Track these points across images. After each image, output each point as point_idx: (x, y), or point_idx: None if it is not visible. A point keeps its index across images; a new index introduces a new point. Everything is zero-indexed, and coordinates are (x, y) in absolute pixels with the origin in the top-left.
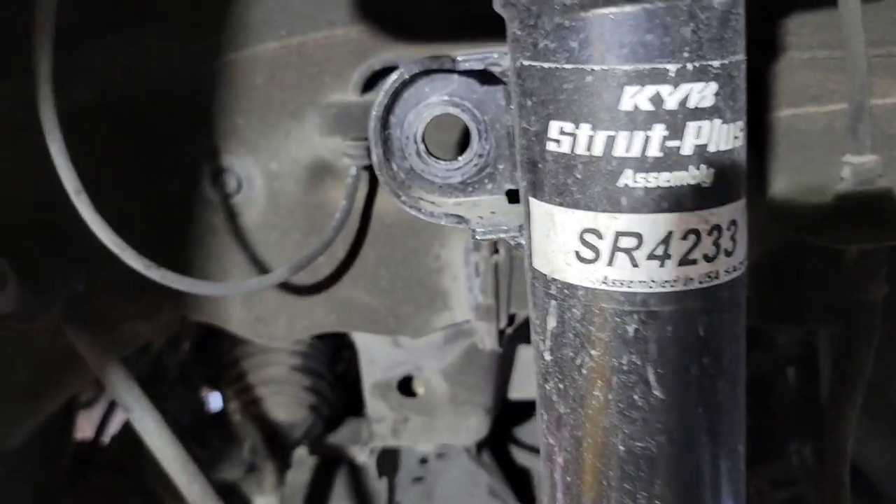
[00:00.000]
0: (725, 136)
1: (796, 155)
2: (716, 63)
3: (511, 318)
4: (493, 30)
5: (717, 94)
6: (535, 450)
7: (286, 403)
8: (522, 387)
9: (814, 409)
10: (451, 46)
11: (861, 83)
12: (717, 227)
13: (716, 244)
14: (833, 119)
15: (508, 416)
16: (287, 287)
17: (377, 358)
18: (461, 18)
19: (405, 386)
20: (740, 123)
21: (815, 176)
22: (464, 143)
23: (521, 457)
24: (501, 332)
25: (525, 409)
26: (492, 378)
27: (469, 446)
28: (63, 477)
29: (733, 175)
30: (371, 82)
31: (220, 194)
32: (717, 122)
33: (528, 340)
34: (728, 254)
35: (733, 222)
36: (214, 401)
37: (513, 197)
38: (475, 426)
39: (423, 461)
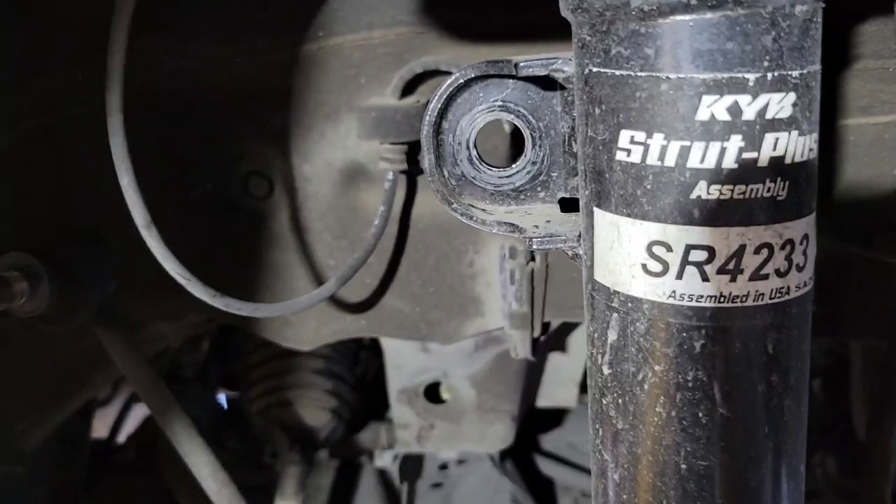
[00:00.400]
0: (801, 149)
1: (845, 166)
2: (795, 73)
3: (545, 327)
4: (537, 34)
5: (794, 105)
6: (560, 459)
7: (309, 407)
8: (550, 395)
9: (842, 421)
10: (493, 49)
11: None
12: (790, 242)
13: (788, 259)
14: (883, 130)
15: (534, 424)
16: (314, 288)
17: (404, 364)
18: (509, 23)
19: (432, 392)
20: (815, 135)
21: (865, 188)
22: (514, 148)
23: (545, 466)
24: (535, 341)
25: (552, 418)
26: (520, 386)
27: (493, 454)
28: (80, 478)
29: (808, 188)
30: (410, 86)
31: (252, 197)
32: (794, 133)
33: (558, 348)
34: (799, 269)
35: (805, 236)
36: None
37: (566, 205)
38: (501, 434)
39: (443, 467)
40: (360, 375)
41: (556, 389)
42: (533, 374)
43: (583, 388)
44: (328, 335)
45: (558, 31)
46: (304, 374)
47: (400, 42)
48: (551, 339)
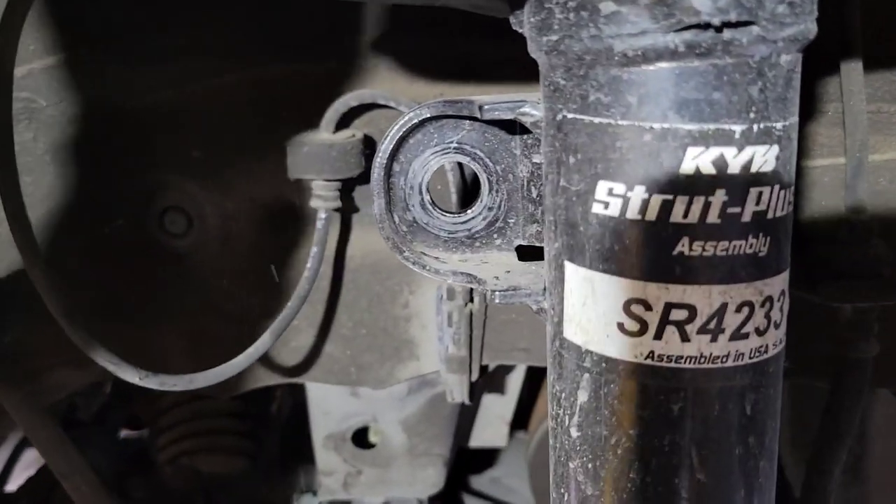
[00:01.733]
0: (782, 203)
1: None
2: (779, 125)
3: (483, 370)
4: (479, 68)
5: (777, 158)
6: (488, 498)
7: (223, 453)
8: (479, 435)
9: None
10: (432, 83)
11: (861, 140)
12: (770, 299)
13: (767, 316)
14: (822, 174)
15: (463, 461)
16: (236, 334)
17: (332, 409)
18: (450, 56)
19: (360, 437)
20: (793, 188)
21: (806, 232)
22: (465, 192)
23: None
24: (472, 385)
25: (481, 454)
26: (453, 428)
27: (422, 498)
28: None
29: (785, 243)
30: (345, 119)
31: (168, 233)
32: (777, 187)
33: (492, 389)
34: (777, 326)
35: (783, 293)
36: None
37: (524, 253)
38: (432, 478)
39: None
40: (276, 414)
41: (486, 429)
42: (466, 415)
43: (512, 426)
44: (250, 382)
45: (503, 67)
46: (218, 418)
47: (334, 73)
48: (486, 380)
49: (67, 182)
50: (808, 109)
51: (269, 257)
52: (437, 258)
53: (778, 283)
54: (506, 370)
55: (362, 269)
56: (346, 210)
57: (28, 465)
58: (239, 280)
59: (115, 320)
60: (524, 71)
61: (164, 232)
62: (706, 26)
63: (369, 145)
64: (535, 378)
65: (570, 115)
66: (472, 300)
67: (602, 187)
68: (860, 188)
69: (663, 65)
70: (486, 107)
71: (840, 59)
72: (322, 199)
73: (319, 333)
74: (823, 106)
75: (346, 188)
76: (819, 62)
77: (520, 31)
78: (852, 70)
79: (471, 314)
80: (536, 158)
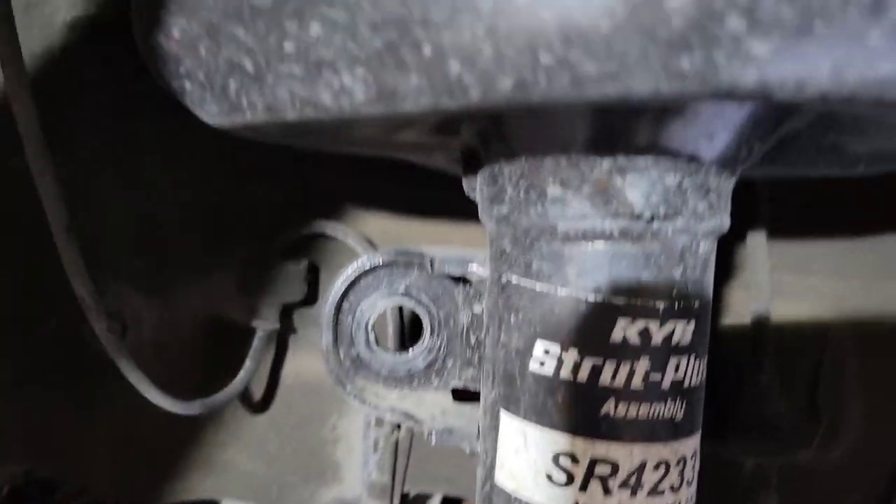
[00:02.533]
0: (696, 372)
1: None
2: (696, 303)
3: (404, 498)
4: (429, 208)
5: (694, 332)
6: None
7: None
8: None
9: None
10: (379, 216)
11: (765, 305)
12: (683, 458)
13: (681, 475)
14: (731, 332)
15: None
16: (158, 446)
17: None
18: (400, 195)
19: None
20: (705, 359)
21: (718, 387)
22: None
23: None
24: None
25: None
26: None
27: None
28: None
29: (698, 408)
30: (294, 247)
31: (101, 338)
32: (692, 358)
33: None
34: (689, 484)
35: (695, 452)
36: None
37: (458, 395)
38: None
39: None
40: None
41: None
42: None
43: None
44: (168, 495)
45: (454, 208)
46: None
47: (289, 200)
48: None
49: (11, 276)
50: (722, 275)
51: (203, 369)
52: (376, 394)
53: (691, 444)
54: (425, 497)
55: (294, 390)
56: (284, 331)
57: None
58: (171, 389)
59: (42, 422)
60: (474, 214)
61: (97, 337)
62: (638, 217)
63: (312, 271)
64: None
65: (514, 280)
66: (398, 428)
67: (539, 346)
68: (763, 348)
69: (600, 245)
70: (437, 262)
71: (748, 233)
72: (262, 320)
73: (244, 450)
74: (734, 272)
75: (286, 311)
76: (734, 235)
77: (472, 196)
78: (757, 239)
79: (397, 442)
80: (476, 309)
